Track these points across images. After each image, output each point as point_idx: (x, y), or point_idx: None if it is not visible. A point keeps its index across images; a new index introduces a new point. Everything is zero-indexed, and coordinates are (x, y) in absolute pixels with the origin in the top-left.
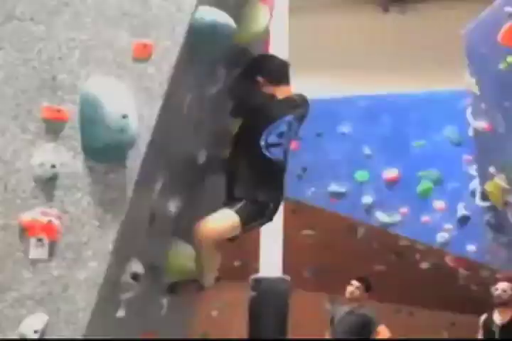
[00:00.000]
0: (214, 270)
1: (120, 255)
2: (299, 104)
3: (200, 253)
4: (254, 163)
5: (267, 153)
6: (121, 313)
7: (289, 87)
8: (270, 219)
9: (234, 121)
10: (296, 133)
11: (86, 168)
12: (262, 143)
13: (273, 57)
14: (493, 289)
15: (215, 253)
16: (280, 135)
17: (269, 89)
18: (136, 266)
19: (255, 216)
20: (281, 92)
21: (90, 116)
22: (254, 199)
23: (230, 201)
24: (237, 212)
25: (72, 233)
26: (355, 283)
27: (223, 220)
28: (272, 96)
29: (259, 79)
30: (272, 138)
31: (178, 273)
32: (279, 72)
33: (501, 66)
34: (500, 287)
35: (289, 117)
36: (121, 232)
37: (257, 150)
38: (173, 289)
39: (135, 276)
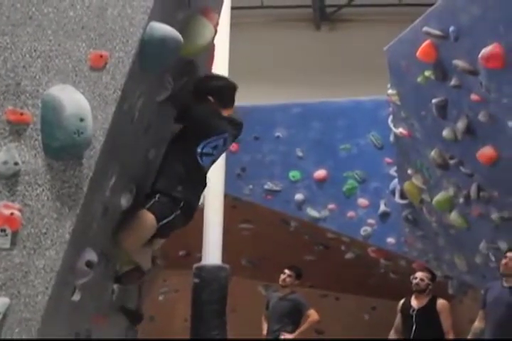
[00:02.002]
0: (147, 257)
1: (76, 244)
2: (237, 125)
3: (129, 254)
4: (185, 164)
5: (199, 160)
6: (76, 297)
7: (232, 109)
8: (188, 217)
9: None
10: (227, 148)
11: (46, 165)
12: (198, 150)
13: (226, 81)
14: (412, 278)
15: (142, 251)
16: (214, 147)
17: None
18: (90, 255)
19: (167, 210)
20: (225, 112)
21: (51, 118)
22: (170, 193)
23: (149, 194)
24: (149, 209)
25: (33, 224)
26: (287, 271)
27: (140, 227)
28: (219, 113)
29: (210, 98)
30: (207, 149)
31: (127, 261)
32: (228, 97)
33: (419, 79)
34: (419, 276)
35: (226, 135)
36: (76, 224)
37: (191, 155)
38: (118, 280)
39: (89, 264)
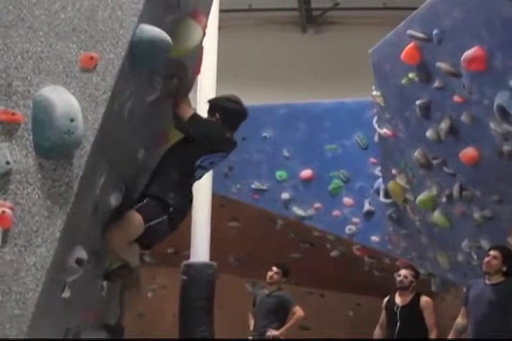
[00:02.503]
0: (134, 255)
1: (66, 242)
2: (232, 146)
3: (116, 251)
4: (181, 173)
5: (195, 172)
6: (66, 294)
7: (233, 133)
8: (175, 224)
9: (170, 126)
10: (217, 165)
11: (37, 164)
12: (198, 163)
13: (242, 107)
14: (395, 275)
15: (130, 249)
16: (211, 163)
17: None
18: (80, 252)
19: (155, 213)
20: (227, 133)
21: (42, 119)
22: (162, 198)
23: (139, 197)
24: (138, 210)
25: (24, 222)
26: (274, 268)
27: (127, 226)
28: (224, 132)
29: (217, 115)
30: (205, 163)
31: (117, 259)
32: (235, 122)
33: (403, 81)
34: (402, 273)
35: (225, 153)
36: (67, 222)
37: (190, 166)
38: (107, 277)
39: (79, 261)
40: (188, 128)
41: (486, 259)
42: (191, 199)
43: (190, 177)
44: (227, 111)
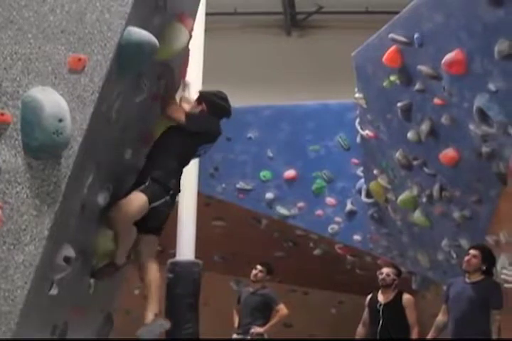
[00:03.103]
0: (128, 247)
1: (54, 240)
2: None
3: (117, 233)
4: (182, 161)
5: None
6: (54, 291)
7: None
8: (172, 208)
9: (157, 125)
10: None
11: (25, 164)
12: (196, 152)
13: (228, 104)
14: (378, 273)
15: (131, 230)
16: (205, 152)
17: None
18: (68, 250)
19: (158, 194)
20: None
21: (31, 119)
22: (164, 183)
23: (140, 181)
24: (142, 191)
25: (12, 221)
26: (259, 267)
27: (133, 202)
28: (218, 124)
29: (204, 106)
30: (201, 152)
31: (104, 257)
32: (219, 117)
33: (385, 84)
34: (385, 271)
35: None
36: (55, 221)
37: (189, 157)
38: (94, 275)
39: (67, 259)
40: (189, 126)
41: (466, 258)
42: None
43: (187, 165)
44: (215, 106)
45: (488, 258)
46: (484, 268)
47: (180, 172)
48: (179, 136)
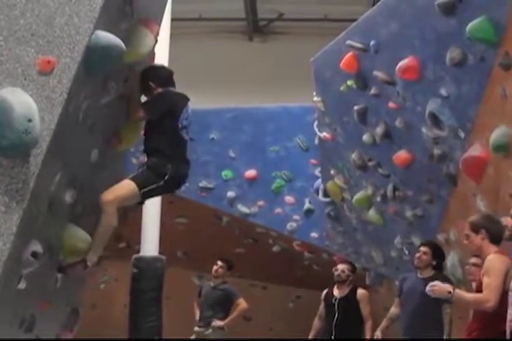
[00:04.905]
0: (102, 246)
1: (22, 236)
2: (186, 97)
3: (98, 227)
4: (173, 145)
5: (183, 135)
6: (22, 285)
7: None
8: (174, 187)
9: (124, 127)
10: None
11: None
12: (180, 125)
13: (159, 67)
14: (334, 270)
15: (113, 220)
16: (186, 119)
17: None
18: (36, 246)
19: (150, 181)
20: None
21: (1, 119)
22: (159, 170)
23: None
24: (132, 179)
25: None
26: (219, 262)
27: (121, 189)
28: (167, 92)
29: (151, 84)
30: (185, 122)
31: (70, 253)
32: (166, 78)
33: (342, 88)
34: (340, 268)
35: (187, 106)
36: (23, 217)
37: (175, 135)
38: (61, 270)
39: (34, 254)
40: (151, 116)
41: (417, 255)
42: (188, 162)
43: (181, 143)
44: (157, 74)
45: (438, 254)
46: (435, 263)
47: (178, 154)
48: (156, 123)
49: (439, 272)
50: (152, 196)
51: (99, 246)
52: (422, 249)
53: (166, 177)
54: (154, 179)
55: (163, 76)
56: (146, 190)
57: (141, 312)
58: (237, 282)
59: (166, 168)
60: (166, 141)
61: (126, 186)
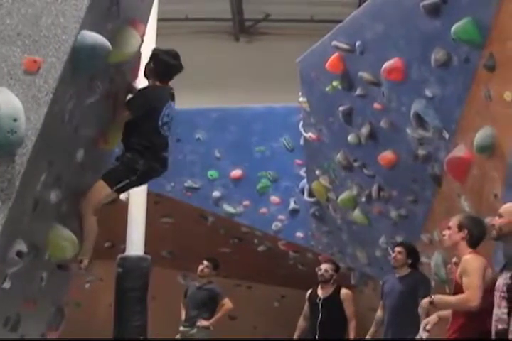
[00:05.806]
0: (91, 249)
1: (7, 235)
2: (171, 92)
3: (83, 223)
4: (151, 140)
5: (162, 132)
6: (6, 285)
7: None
8: (146, 179)
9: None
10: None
11: None
12: (160, 123)
13: (175, 60)
14: (317, 269)
15: (95, 226)
16: (168, 115)
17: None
18: (21, 245)
19: (122, 176)
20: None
21: None
22: (131, 166)
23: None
24: (105, 178)
25: None
26: (205, 262)
27: (94, 194)
28: (155, 88)
29: (151, 64)
30: (166, 119)
31: (55, 252)
32: (167, 73)
33: (327, 89)
34: (323, 267)
35: (170, 102)
36: (8, 217)
37: (154, 131)
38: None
39: (19, 254)
40: (134, 113)
41: (393, 255)
42: (162, 159)
43: (160, 139)
44: (160, 62)
45: (412, 253)
46: (410, 262)
47: (154, 150)
48: (136, 119)
49: (415, 270)
50: (126, 190)
51: (89, 249)
52: (397, 249)
53: (138, 172)
54: (127, 174)
55: (166, 70)
56: (119, 186)
57: (126, 311)
58: (222, 281)
59: (139, 164)
60: (143, 138)
61: (98, 189)
